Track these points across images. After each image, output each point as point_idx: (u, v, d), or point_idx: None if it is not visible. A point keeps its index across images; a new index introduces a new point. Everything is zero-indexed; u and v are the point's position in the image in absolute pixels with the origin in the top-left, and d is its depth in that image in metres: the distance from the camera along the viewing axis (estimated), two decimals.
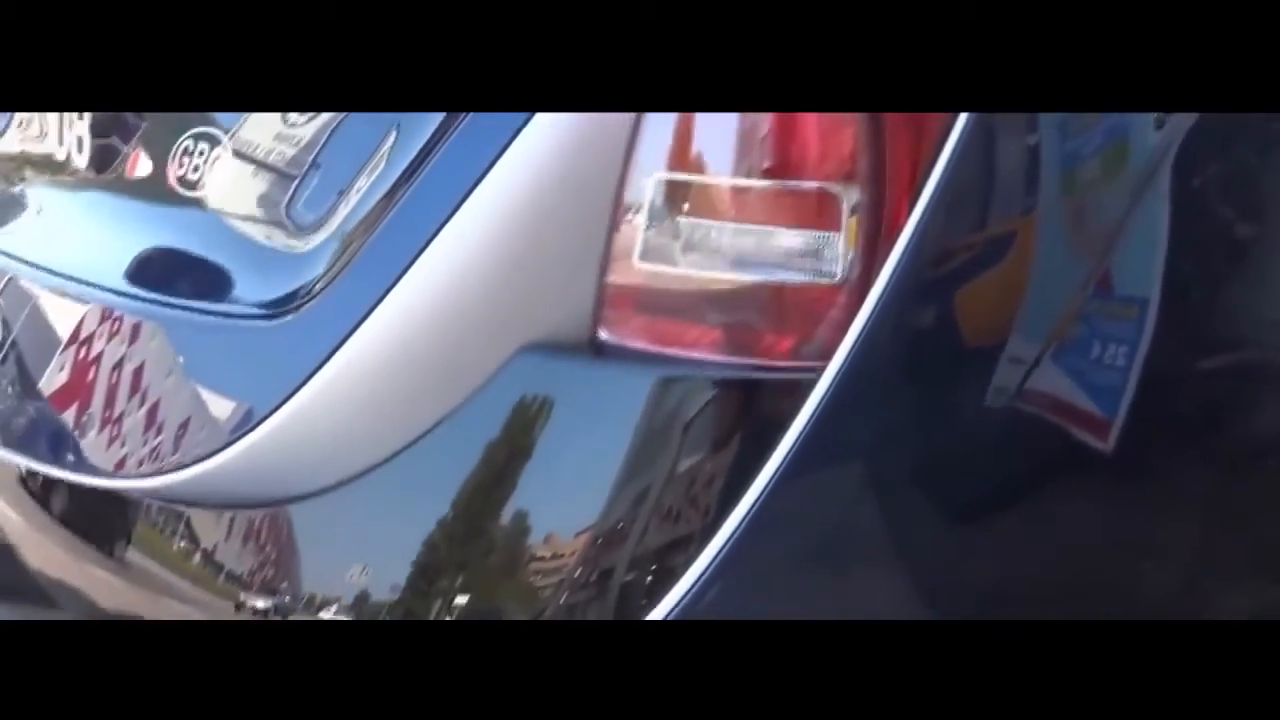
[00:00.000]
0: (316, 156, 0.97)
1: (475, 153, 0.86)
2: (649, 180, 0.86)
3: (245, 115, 1.03)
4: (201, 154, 1.05)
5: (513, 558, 0.88)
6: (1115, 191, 0.92)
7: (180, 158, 1.06)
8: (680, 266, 0.87)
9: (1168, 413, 0.96)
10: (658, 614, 0.84)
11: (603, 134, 0.85)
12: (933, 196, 0.84)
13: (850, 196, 0.84)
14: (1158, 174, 0.92)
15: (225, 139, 1.04)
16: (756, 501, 0.83)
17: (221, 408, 0.94)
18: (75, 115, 1.16)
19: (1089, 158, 0.91)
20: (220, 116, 1.05)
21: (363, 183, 0.92)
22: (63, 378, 1.04)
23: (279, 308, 0.93)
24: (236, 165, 1.03)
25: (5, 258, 1.12)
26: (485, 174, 0.85)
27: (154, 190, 1.08)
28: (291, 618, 0.93)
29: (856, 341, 0.84)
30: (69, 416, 1.03)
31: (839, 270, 0.84)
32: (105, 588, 1.06)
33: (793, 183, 0.85)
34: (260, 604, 0.95)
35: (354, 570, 0.91)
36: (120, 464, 0.99)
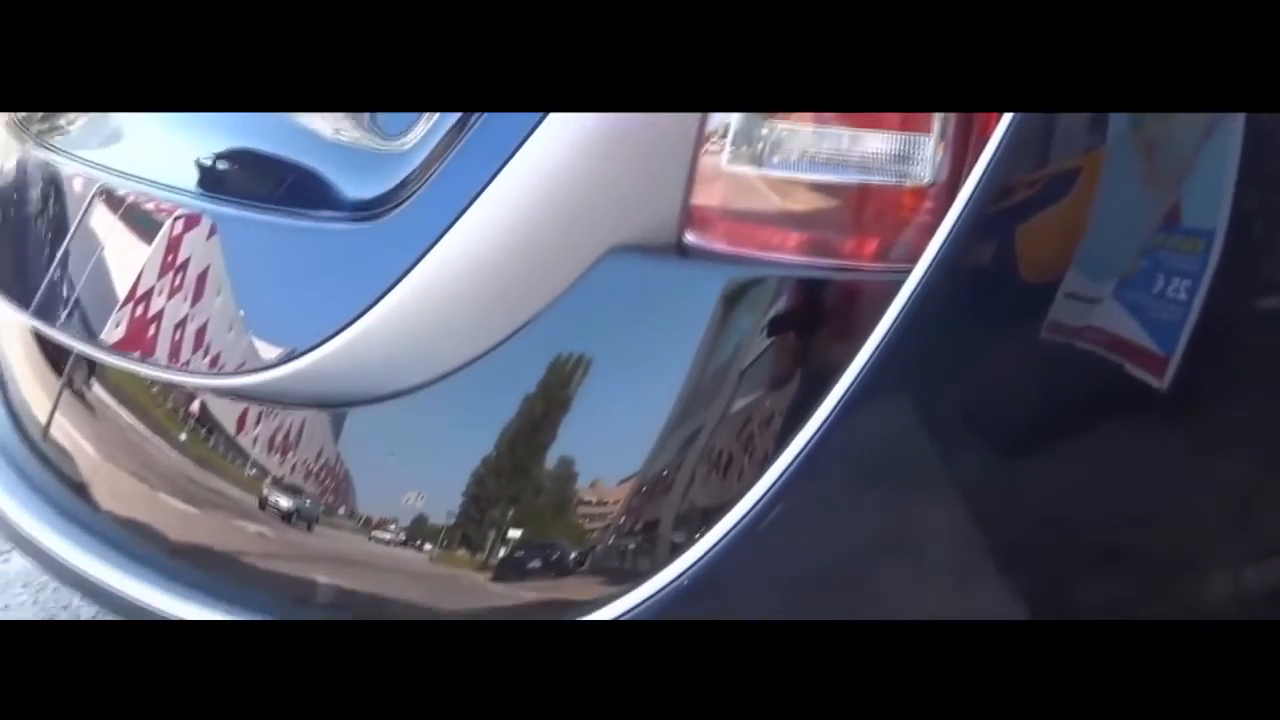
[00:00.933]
0: None
1: None
2: None
3: None
4: None
5: (561, 500, 0.89)
6: (1188, 125, 0.90)
7: None
8: (766, 170, 0.87)
9: (1226, 350, 0.94)
10: (711, 540, 0.84)
11: None
12: None
13: None
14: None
15: None
16: (828, 419, 0.83)
17: (311, 309, 0.95)
18: None
19: None
20: None
21: None
22: (150, 281, 1.04)
23: (370, 209, 0.93)
24: None
25: (95, 168, 1.12)
26: None
27: None
28: (315, 526, 0.95)
29: (943, 245, 0.83)
30: (160, 319, 1.03)
31: (928, 173, 0.84)
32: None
33: None
34: (285, 503, 0.98)
35: (410, 494, 0.92)
36: (214, 362, 0.99)
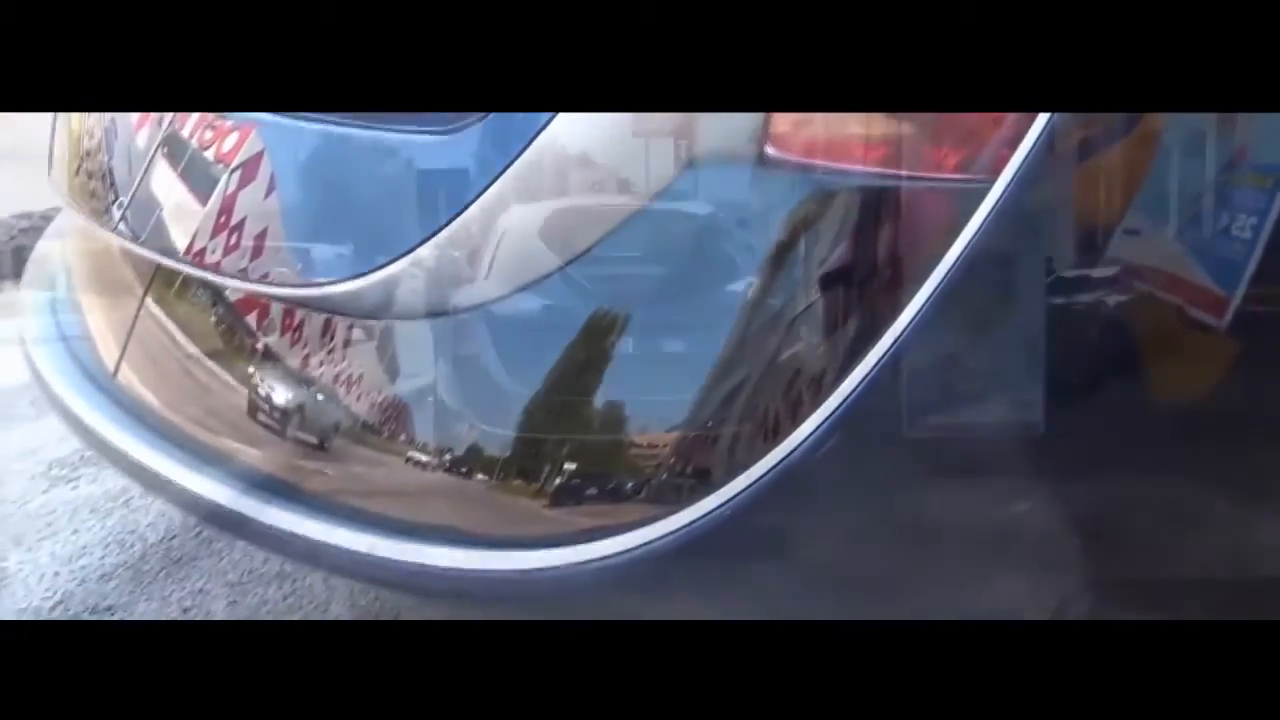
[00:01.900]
0: None
1: None
2: None
3: None
4: None
5: (615, 442, 0.91)
6: None
7: None
8: None
9: None
10: (770, 461, 0.86)
11: None
12: None
13: None
14: None
15: None
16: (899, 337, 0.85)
17: (394, 220, 0.96)
18: None
19: None
20: None
21: None
22: (235, 198, 1.05)
23: (453, 122, 0.94)
24: None
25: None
26: None
27: None
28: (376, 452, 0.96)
29: (1025, 159, 0.84)
30: (245, 234, 1.04)
31: None
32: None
33: None
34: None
35: (464, 426, 0.94)
36: (298, 271, 1.00)
